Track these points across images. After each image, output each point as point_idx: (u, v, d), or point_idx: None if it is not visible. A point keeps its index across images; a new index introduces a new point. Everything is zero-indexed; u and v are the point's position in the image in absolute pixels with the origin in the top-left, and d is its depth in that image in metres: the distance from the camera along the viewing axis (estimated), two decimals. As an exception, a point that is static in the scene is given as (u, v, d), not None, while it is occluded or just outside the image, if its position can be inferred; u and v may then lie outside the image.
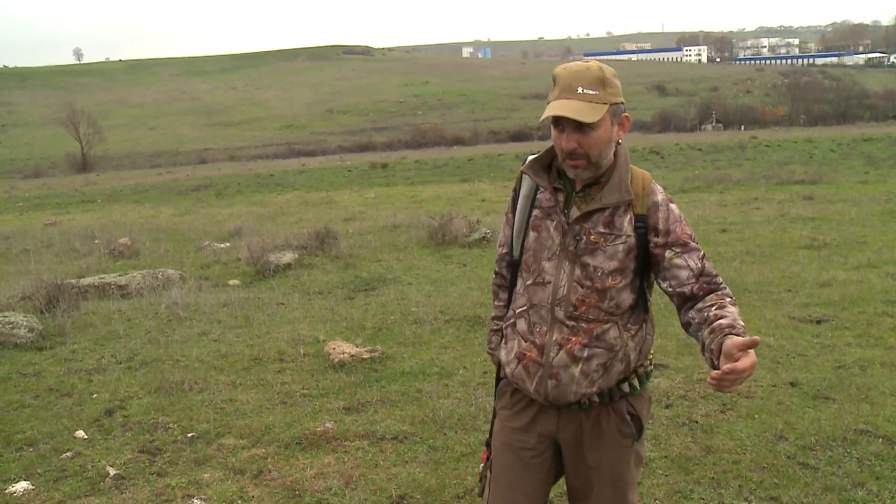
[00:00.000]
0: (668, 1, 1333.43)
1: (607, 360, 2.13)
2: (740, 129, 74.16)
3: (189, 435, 4.49)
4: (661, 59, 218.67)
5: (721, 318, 1.98)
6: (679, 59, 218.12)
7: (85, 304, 8.06)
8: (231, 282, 9.64)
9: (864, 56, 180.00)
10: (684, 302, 2.13)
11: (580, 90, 2.02)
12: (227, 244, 12.89)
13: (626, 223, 2.12)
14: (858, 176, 20.68)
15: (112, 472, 4.01)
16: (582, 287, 2.12)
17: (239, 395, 5.12)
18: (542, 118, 2.03)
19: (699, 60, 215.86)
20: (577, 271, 2.12)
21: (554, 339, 2.13)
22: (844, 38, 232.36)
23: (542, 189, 2.22)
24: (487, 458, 2.41)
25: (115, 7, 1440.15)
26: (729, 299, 2.07)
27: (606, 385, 2.15)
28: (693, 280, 2.10)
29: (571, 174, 2.12)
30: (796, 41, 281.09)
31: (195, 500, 3.67)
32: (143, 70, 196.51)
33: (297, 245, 11.15)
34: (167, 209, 23.39)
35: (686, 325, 2.12)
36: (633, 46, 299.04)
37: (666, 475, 3.70)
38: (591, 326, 2.12)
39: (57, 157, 79.62)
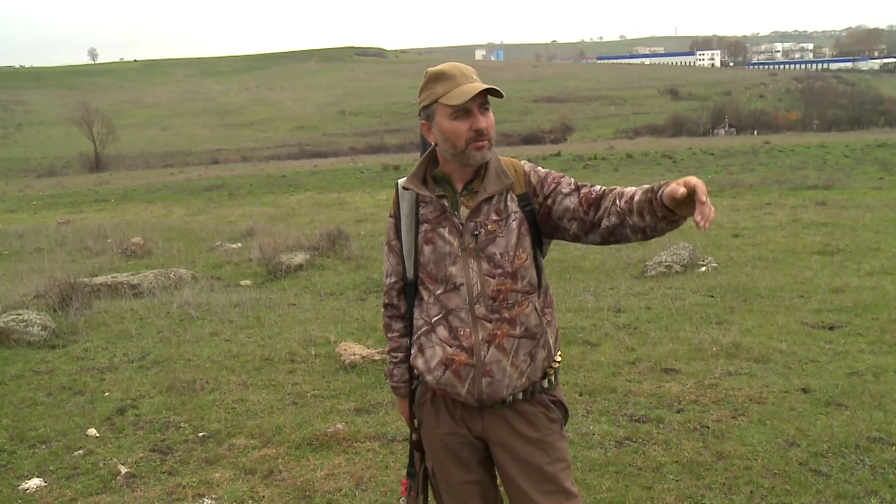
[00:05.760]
0: (682, 4, 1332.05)
1: (531, 348, 2.21)
2: (753, 133, 73.86)
3: (200, 434, 4.51)
4: (675, 63, 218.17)
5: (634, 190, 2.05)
6: (692, 64, 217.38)
7: (97, 303, 8.11)
8: (243, 282, 9.69)
9: (879, 61, 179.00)
10: (586, 215, 2.13)
11: (475, 77, 2.14)
12: (239, 244, 12.95)
13: (514, 205, 2.22)
14: (872, 181, 20.56)
15: (123, 470, 4.03)
16: (494, 277, 2.18)
17: (250, 395, 5.14)
18: (460, 103, 2.06)
19: (712, 64, 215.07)
20: (485, 265, 2.18)
21: (481, 337, 2.17)
22: (859, 42, 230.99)
23: (423, 204, 2.27)
24: (408, 490, 2.43)
25: (129, 7, 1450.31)
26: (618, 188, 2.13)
27: (534, 376, 2.22)
28: (577, 194, 2.15)
29: (478, 158, 2.15)
30: (811, 46, 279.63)
31: (206, 500, 3.69)
32: (157, 70, 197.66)
33: (308, 246, 11.18)
34: (179, 209, 23.51)
35: (598, 224, 2.11)
36: (646, 50, 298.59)
37: (677, 480, 3.69)
38: (512, 314, 2.18)
39: (71, 157, 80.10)
